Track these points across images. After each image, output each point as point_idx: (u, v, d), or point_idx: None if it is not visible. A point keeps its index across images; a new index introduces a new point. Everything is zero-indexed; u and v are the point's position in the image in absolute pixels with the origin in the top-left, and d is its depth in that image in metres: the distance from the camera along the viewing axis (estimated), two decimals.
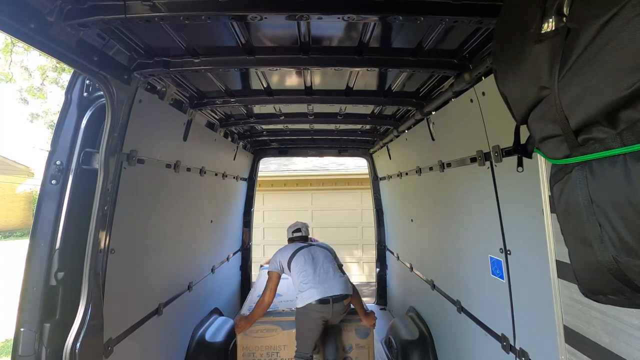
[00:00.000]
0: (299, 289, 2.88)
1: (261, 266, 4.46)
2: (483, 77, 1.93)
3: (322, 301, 2.71)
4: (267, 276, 3.10)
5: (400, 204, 4.47)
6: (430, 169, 3.03)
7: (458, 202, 2.61)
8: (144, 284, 2.32)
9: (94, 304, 1.70)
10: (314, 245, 3.25)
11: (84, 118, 1.85)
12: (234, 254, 4.85)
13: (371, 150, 5.24)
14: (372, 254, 5.62)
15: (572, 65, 0.71)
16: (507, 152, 1.85)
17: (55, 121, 1.86)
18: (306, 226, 3.49)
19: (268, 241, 8.85)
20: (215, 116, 3.41)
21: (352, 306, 3.06)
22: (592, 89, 0.68)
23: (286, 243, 3.43)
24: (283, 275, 3.15)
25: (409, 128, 3.37)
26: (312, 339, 2.78)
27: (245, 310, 3.19)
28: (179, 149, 2.72)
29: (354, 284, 3.22)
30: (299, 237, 3.37)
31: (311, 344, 2.79)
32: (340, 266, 3.18)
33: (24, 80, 10.17)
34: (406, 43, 2.00)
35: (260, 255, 8.75)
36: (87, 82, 1.87)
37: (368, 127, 4.14)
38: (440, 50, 2.04)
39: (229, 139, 4.00)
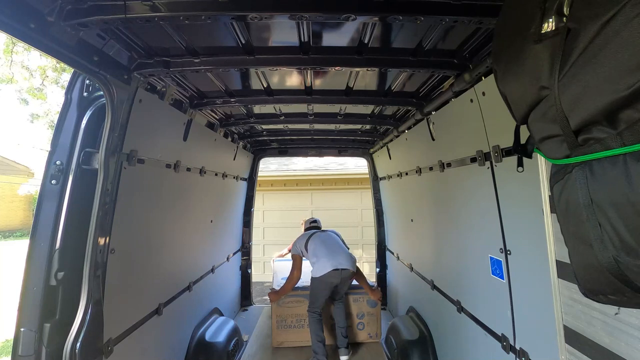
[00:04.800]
0: (314, 262, 3.53)
1: (273, 260, 5.33)
2: (483, 77, 1.92)
3: (335, 271, 3.39)
4: (281, 266, 4.11)
5: (400, 204, 4.47)
6: (430, 169, 3.03)
7: (458, 202, 2.61)
8: (144, 284, 2.32)
9: (94, 304, 1.70)
10: (326, 230, 3.96)
11: (84, 118, 1.85)
12: (234, 254, 4.85)
13: (371, 150, 5.24)
14: (372, 253, 5.61)
15: (572, 65, 0.71)
16: (507, 152, 1.85)
17: (55, 121, 1.87)
18: (319, 220, 4.30)
19: (268, 241, 8.85)
20: (215, 116, 3.40)
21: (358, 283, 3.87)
22: (592, 89, 0.68)
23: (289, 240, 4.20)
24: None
25: (409, 128, 3.37)
26: (323, 299, 3.51)
27: (275, 286, 4.05)
28: (179, 149, 2.72)
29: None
30: (315, 227, 4.11)
31: (322, 303, 3.52)
32: (347, 247, 3.85)
33: (24, 80, 10.17)
34: (406, 43, 2.00)
35: (260, 255, 8.75)
36: (87, 82, 1.87)
37: (368, 127, 4.14)
38: (440, 50, 2.04)
39: (229, 139, 4.00)
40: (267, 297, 5.96)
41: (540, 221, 1.30)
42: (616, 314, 0.94)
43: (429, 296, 3.21)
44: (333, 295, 3.63)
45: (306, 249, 3.67)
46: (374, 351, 3.70)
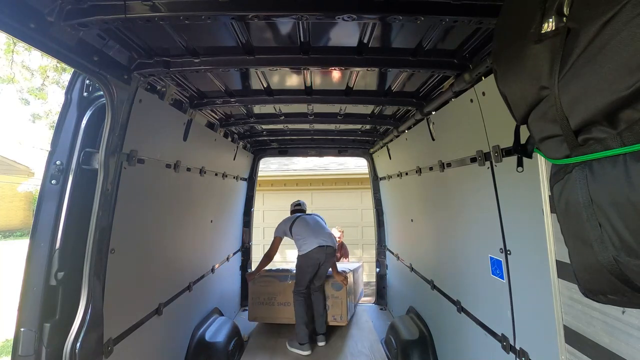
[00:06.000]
0: (301, 242, 3.85)
1: None
2: (483, 77, 1.92)
3: (319, 247, 3.75)
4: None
5: (400, 204, 4.47)
6: (430, 169, 3.02)
7: (458, 202, 2.61)
8: (144, 284, 2.32)
9: (94, 304, 1.70)
10: (310, 214, 4.29)
11: (84, 118, 1.85)
12: (234, 254, 4.85)
13: (371, 150, 5.24)
14: (372, 253, 5.61)
15: (572, 65, 0.71)
16: (507, 152, 1.85)
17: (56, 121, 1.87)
18: (305, 203, 4.54)
19: (268, 241, 8.81)
20: (215, 116, 3.40)
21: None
22: (592, 89, 0.68)
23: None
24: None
25: (409, 128, 3.37)
26: (308, 276, 3.81)
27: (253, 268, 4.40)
28: (179, 149, 2.72)
29: None
30: (299, 210, 4.37)
31: (306, 282, 3.82)
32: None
33: (25, 81, 10.17)
34: (406, 43, 2.00)
35: (261, 255, 8.72)
36: (87, 82, 1.87)
37: (368, 127, 4.14)
38: (440, 50, 2.04)
39: (229, 139, 4.00)
40: None
41: (540, 221, 1.30)
42: (623, 312, 0.93)
43: (429, 296, 3.21)
44: (314, 279, 3.89)
45: (291, 232, 4.01)
46: (344, 336, 4.03)
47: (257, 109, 3.40)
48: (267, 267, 4.22)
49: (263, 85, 2.62)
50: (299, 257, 3.86)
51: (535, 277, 1.64)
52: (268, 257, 4.14)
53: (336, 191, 8.95)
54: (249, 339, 3.97)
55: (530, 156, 1.15)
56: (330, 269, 4.05)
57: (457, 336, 2.63)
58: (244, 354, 3.62)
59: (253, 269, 5.54)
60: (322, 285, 3.98)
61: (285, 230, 4.08)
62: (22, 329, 1.62)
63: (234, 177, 4.54)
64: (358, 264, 5.24)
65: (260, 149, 5.23)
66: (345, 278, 4.11)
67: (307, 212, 4.48)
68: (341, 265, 4.62)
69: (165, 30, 1.73)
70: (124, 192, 1.95)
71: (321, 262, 3.80)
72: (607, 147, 0.67)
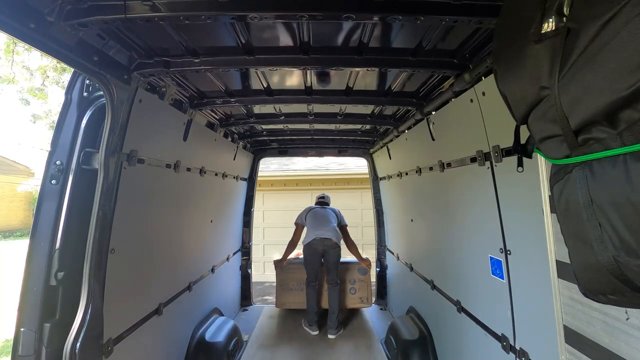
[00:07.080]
0: (306, 232, 4.29)
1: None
2: (483, 77, 1.92)
3: (316, 240, 4.08)
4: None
5: (400, 204, 4.47)
6: (430, 169, 3.02)
7: (458, 202, 2.61)
8: (144, 284, 2.32)
9: (94, 304, 1.70)
10: (326, 207, 4.61)
11: (84, 118, 1.85)
12: (234, 253, 4.85)
13: (371, 150, 5.24)
14: (372, 254, 5.62)
15: (572, 65, 0.71)
16: (507, 152, 1.85)
17: (56, 121, 1.87)
18: (329, 197, 4.90)
19: (268, 241, 8.85)
20: (215, 116, 3.40)
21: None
22: (592, 89, 0.68)
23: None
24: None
25: (409, 128, 3.37)
26: (314, 268, 4.15)
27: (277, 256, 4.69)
28: (179, 149, 2.72)
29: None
30: (319, 202, 4.75)
31: (313, 272, 4.16)
32: (342, 225, 4.50)
33: (25, 81, 10.17)
34: (406, 43, 2.00)
35: (261, 255, 8.75)
36: (87, 82, 1.87)
37: (368, 127, 4.14)
38: (440, 50, 2.04)
39: (229, 139, 4.00)
40: (267, 297, 6.10)
41: (540, 221, 1.30)
42: (627, 319, 0.93)
43: (429, 296, 3.21)
44: (327, 272, 4.22)
45: (305, 220, 4.45)
46: (344, 335, 4.09)
47: (257, 109, 3.40)
48: (292, 255, 4.55)
49: (263, 85, 2.62)
50: (303, 247, 4.18)
51: (535, 277, 1.64)
52: (292, 243, 4.44)
53: (336, 191, 8.94)
54: (249, 339, 3.97)
55: (530, 156, 1.15)
56: (336, 261, 4.28)
57: (457, 336, 2.63)
58: (244, 354, 3.62)
59: (253, 269, 5.59)
60: (336, 280, 4.18)
61: (302, 218, 4.48)
62: (22, 329, 1.62)
63: (234, 177, 4.54)
64: None
65: (260, 149, 5.23)
66: (370, 263, 4.49)
67: (331, 206, 4.79)
68: None
69: (165, 30, 1.73)
70: (124, 192, 1.95)
71: (320, 252, 4.08)
72: (607, 147, 0.67)
